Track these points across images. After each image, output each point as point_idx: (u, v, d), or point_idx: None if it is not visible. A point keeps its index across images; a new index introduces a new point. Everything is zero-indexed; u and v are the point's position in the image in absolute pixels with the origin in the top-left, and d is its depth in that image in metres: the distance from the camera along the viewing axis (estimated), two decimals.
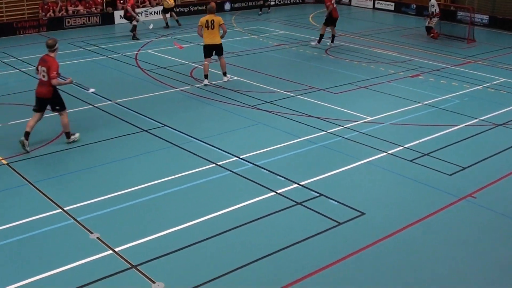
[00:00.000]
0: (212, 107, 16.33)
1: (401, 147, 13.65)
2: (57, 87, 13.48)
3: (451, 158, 13.11)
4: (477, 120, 15.77)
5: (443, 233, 10.04)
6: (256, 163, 12.55)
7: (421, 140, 14.06)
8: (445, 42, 26.19)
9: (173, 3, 28.47)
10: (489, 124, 15.48)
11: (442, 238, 9.89)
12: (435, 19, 26.71)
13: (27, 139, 13.04)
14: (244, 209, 10.62)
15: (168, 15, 28.43)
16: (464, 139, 14.38)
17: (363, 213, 10.56)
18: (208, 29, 18.06)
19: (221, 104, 16.53)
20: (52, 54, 13.37)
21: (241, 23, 29.43)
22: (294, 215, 10.50)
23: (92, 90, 15.21)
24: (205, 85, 18.30)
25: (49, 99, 13.46)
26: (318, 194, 11.21)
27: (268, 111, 16.00)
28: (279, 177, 11.93)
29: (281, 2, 35.68)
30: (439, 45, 25.50)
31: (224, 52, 18.84)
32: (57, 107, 13.61)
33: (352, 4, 36.25)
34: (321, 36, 23.79)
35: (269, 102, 16.74)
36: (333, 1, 23.36)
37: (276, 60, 21.57)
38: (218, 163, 12.50)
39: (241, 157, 12.86)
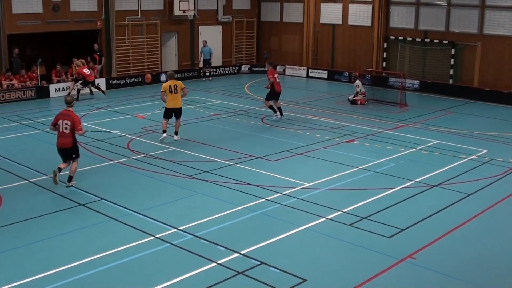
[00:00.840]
0: (150, 179, 16.19)
1: (340, 212, 13.74)
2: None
3: (390, 221, 13.25)
4: (413, 182, 16.05)
5: None
6: (196, 234, 12.41)
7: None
8: (378, 107, 26.81)
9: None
10: (425, 185, 15.77)
11: None
12: (361, 96, 27.48)
13: (59, 172, 15.27)
14: (185, 282, 10.43)
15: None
16: (401, 201, 14.59)
17: (304, 280, 10.51)
18: (171, 94, 19.60)
19: (159, 175, 16.41)
20: (71, 109, 15.43)
21: None
22: (235, 285, 10.37)
23: (116, 131, 17.99)
24: (162, 138, 19.79)
25: (70, 148, 15.33)
26: (259, 263, 11.13)
27: (207, 181, 15.96)
28: (219, 247, 11.81)
29: (217, 73, 36.05)
30: (373, 110, 26.09)
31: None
32: (74, 155, 15.48)
33: (286, 73, 36.87)
34: (272, 107, 23.63)
35: (207, 172, 16.71)
36: (275, 75, 23.41)
37: (213, 130, 21.65)
38: (157, 236, 12.31)
39: (180, 228, 12.71)
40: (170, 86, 19.66)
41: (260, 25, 39.18)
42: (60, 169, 15.32)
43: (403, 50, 32.50)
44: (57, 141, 15.49)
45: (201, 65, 34.99)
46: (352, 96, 27.71)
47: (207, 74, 34.56)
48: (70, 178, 15.43)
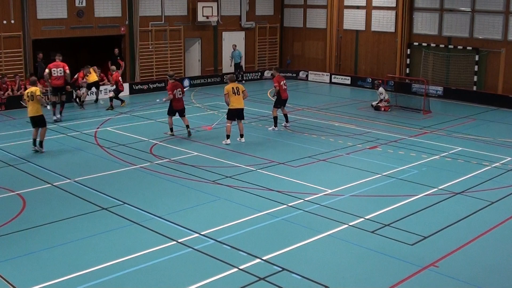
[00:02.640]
0: (172, 184, 16.26)
1: (362, 219, 13.69)
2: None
3: (412, 228, 13.18)
4: (436, 189, 15.95)
5: None
6: (218, 239, 12.43)
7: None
8: (401, 113, 26.70)
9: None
10: (448, 192, 15.66)
11: None
12: (384, 103, 27.38)
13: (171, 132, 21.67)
14: (206, 287, 10.44)
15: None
16: (424, 209, 14.50)
17: (326, 287, 10.48)
18: (235, 95, 20.65)
19: (181, 180, 16.47)
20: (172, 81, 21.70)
21: (200, 99, 29.67)
22: None
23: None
24: (227, 144, 20.55)
25: (184, 108, 21.57)
26: (280, 269, 11.12)
27: (229, 186, 15.98)
28: (241, 252, 11.82)
29: (239, 79, 36.10)
30: (396, 116, 25.98)
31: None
32: (184, 114, 21.48)
33: (309, 79, 36.88)
34: (276, 119, 23.20)
35: (229, 177, 16.74)
36: (282, 82, 22.99)
37: (236, 135, 21.67)
38: (179, 240, 12.35)
39: (202, 233, 12.73)
40: (233, 88, 20.65)
41: (283, 31, 39.22)
42: (172, 129, 21.50)
43: (427, 56, 32.35)
44: (174, 105, 21.22)
45: (232, 69, 35.34)
46: (376, 102, 27.63)
47: (240, 78, 34.91)
48: (187, 126, 21.43)
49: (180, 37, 34.01)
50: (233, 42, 35.78)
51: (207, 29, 35.35)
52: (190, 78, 33.92)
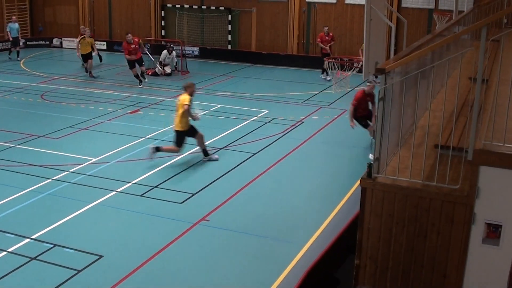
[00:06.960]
0: None
1: (130, 183, 13.65)
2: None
3: (180, 187, 13.44)
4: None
5: (183, 260, 10.26)
6: None
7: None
8: (158, 76, 26.70)
9: None
10: (212, 148, 16.02)
11: (182, 264, 10.09)
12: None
13: None
14: None
15: None
16: (190, 166, 14.83)
17: (101, 256, 10.35)
18: None
19: None
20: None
21: None
22: (30, 271, 9.92)
23: None
24: None
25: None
26: (52, 245, 10.75)
27: None
28: (8, 234, 11.22)
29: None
30: (154, 79, 26.03)
31: None
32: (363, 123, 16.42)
33: (63, 46, 35.64)
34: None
35: None
36: None
37: None
38: None
39: None
40: None
41: None
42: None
43: (181, 17, 32.73)
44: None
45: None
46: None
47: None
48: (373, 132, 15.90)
49: None
50: None
51: None
52: None
